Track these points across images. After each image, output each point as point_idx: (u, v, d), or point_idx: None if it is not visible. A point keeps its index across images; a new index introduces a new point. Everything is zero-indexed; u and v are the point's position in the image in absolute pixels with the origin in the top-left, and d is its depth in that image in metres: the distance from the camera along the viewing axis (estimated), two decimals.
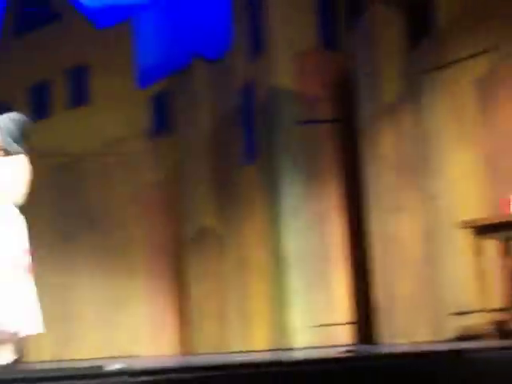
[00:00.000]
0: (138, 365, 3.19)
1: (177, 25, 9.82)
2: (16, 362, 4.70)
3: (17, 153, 4.88)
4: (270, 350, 7.98)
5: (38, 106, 9.54)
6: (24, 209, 4.93)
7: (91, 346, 9.40)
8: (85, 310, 9.57)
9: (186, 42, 9.62)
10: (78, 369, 2.77)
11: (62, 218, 9.54)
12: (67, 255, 9.52)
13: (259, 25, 8.27)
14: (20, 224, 4.82)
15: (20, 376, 2.75)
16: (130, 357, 9.11)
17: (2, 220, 4.75)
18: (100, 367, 2.70)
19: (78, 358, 9.03)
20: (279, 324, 7.99)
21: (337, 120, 8.08)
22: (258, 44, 8.32)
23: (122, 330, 9.51)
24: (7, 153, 4.90)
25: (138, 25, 9.72)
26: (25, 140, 4.94)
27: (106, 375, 2.79)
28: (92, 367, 2.77)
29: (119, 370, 2.77)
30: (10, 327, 4.61)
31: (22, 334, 4.69)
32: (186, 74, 9.57)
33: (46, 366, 6.00)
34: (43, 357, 8.60)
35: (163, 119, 9.84)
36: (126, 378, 2.84)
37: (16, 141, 4.88)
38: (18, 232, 4.78)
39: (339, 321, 7.92)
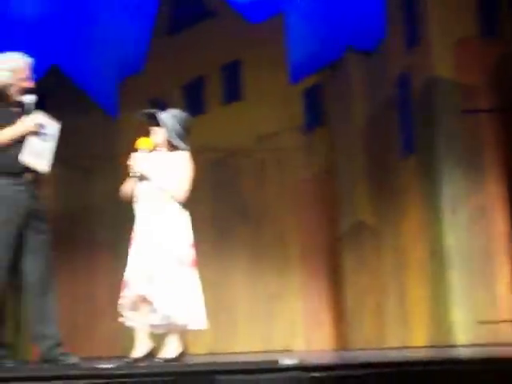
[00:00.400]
0: (309, 360, 3.13)
1: (328, 17, 9.73)
2: (182, 354, 4.75)
3: (181, 149, 4.94)
4: (429, 347, 7.76)
5: (192, 102, 9.68)
6: (184, 204, 4.98)
7: (246, 341, 9.47)
8: (240, 305, 9.65)
9: (338, 34, 9.51)
10: (255, 363, 2.75)
11: (218, 213, 9.66)
12: (222, 251, 9.63)
13: (416, 12, 8.03)
14: (185, 219, 4.87)
15: (200, 369, 2.77)
16: (286, 351, 9.12)
17: (167, 215, 4.81)
18: (275, 362, 2.67)
19: (233, 352, 9.11)
20: (439, 321, 7.75)
21: (498, 109, 7.75)
22: (414, 32, 8.08)
23: (277, 325, 9.54)
24: (172, 148, 4.96)
25: (289, 19, 9.69)
26: (187, 136, 4.99)
27: (281, 370, 2.76)
28: (268, 361, 2.74)
29: (294, 365, 2.73)
30: (180, 321, 4.67)
31: (190, 328, 4.74)
32: (338, 67, 9.48)
33: (218, 359, 6.05)
34: (200, 351, 8.71)
35: (316, 113, 9.78)
36: (298, 373, 2.81)
37: (180, 137, 4.93)
38: (183, 227, 4.84)
39: (502, 318, 7.60)
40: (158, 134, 4.97)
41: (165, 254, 4.71)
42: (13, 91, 4.87)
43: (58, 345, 4.75)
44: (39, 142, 4.84)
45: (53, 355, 4.69)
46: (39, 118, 4.87)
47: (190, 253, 4.79)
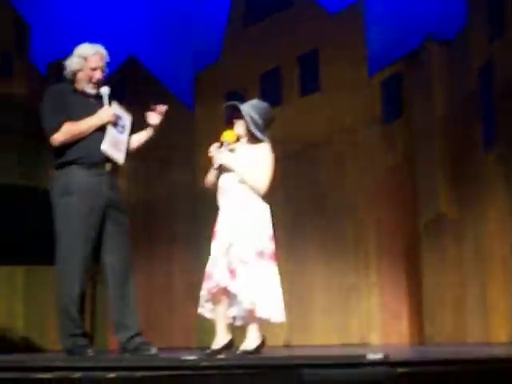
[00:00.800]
0: (395, 355, 3.07)
1: (408, 6, 9.61)
2: (260, 347, 4.74)
3: (261, 141, 4.91)
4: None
5: (269, 93, 9.66)
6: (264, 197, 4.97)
7: (322, 333, 9.43)
8: (316, 297, 9.62)
9: (418, 22, 9.39)
10: (343, 357, 2.72)
11: (295, 205, 9.64)
12: (299, 243, 9.61)
13: (500, 0, 7.82)
14: (266, 212, 4.85)
15: (286, 362, 2.75)
16: (363, 345, 9.05)
17: (248, 208, 4.80)
18: (363, 356, 2.64)
19: (309, 344, 9.08)
20: None
21: None
22: (497, 21, 7.87)
23: (353, 317, 9.48)
24: (254, 140, 4.94)
25: (368, 8, 9.61)
26: (268, 127, 4.96)
27: (367, 365, 2.71)
28: (356, 356, 2.70)
29: (380, 360, 2.69)
30: (261, 314, 4.66)
31: (271, 321, 4.73)
32: (417, 57, 9.33)
33: (297, 352, 6.04)
34: (276, 343, 8.70)
35: (395, 104, 9.65)
36: (386, 369, 2.76)
37: (260, 128, 4.90)
38: (264, 220, 4.82)
39: None
40: (240, 126, 4.96)
41: (246, 247, 4.71)
42: (82, 78, 4.89)
43: (138, 335, 4.79)
44: (116, 134, 4.88)
45: (133, 345, 4.72)
46: (116, 109, 4.90)
47: (270, 246, 4.78)
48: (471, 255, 8.28)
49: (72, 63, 4.88)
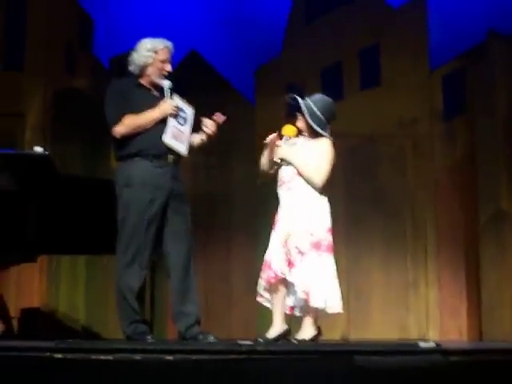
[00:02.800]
0: (448, 345, 3.10)
1: (470, 0, 9.52)
2: (316, 338, 4.79)
3: (321, 136, 4.96)
4: None
5: (330, 88, 9.65)
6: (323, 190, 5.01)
7: (380, 328, 9.41)
8: (374, 293, 9.60)
9: (481, 17, 9.29)
10: (393, 344, 2.75)
11: (353, 200, 9.63)
12: (357, 238, 9.60)
13: None
14: (324, 204, 4.90)
15: (338, 349, 2.79)
16: (421, 341, 9.00)
17: (307, 200, 4.86)
18: (415, 344, 2.66)
19: (366, 338, 9.07)
20: None
21: None
22: None
23: (411, 313, 9.44)
24: (314, 135, 4.98)
25: (430, 1, 9.55)
26: (330, 122, 5.00)
27: (419, 353, 2.74)
28: (407, 344, 2.74)
29: (432, 348, 2.71)
30: (318, 304, 4.72)
31: (328, 311, 4.78)
32: (480, 52, 9.23)
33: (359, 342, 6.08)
34: (333, 336, 8.72)
35: (457, 99, 9.56)
36: (437, 357, 2.79)
37: (320, 123, 4.94)
38: (322, 212, 4.87)
39: None
40: (301, 120, 5.01)
41: (303, 238, 4.77)
42: (152, 72, 5.00)
43: (197, 323, 4.87)
44: (178, 125, 4.96)
45: (191, 333, 4.81)
46: (177, 101, 4.98)
47: (327, 238, 4.83)
48: None
49: (140, 57, 4.99)
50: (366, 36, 9.87)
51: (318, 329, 4.85)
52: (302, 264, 4.72)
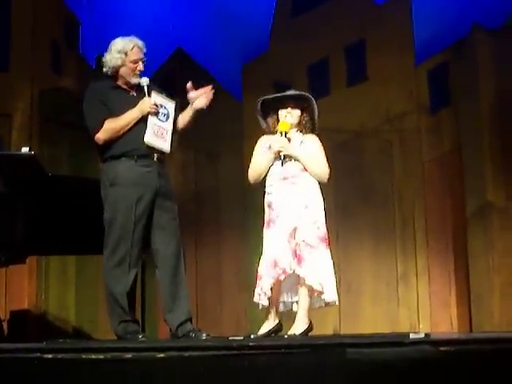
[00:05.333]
0: (439, 336, 3.12)
1: None
2: (308, 331, 4.82)
3: (311, 131, 5.01)
4: None
5: (317, 83, 9.68)
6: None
7: (371, 321, 9.44)
8: (364, 285, 9.63)
9: (464, 11, 9.32)
10: (384, 336, 2.77)
11: (342, 194, 9.65)
12: (347, 233, 9.62)
13: None
14: (321, 197, 4.96)
15: (330, 342, 2.81)
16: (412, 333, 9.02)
17: (311, 194, 4.90)
18: (406, 336, 2.69)
19: (358, 332, 9.09)
20: None
21: None
22: None
23: (402, 306, 9.47)
24: (305, 131, 5.03)
25: None
26: (314, 116, 5.05)
27: (409, 344, 2.76)
28: (398, 335, 2.76)
29: (422, 339, 2.74)
30: (333, 297, 4.77)
31: (330, 301, 4.83)
32: (465, 46, 9.27)
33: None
34: (324, 330, 8.74)
35: (442, 93, 9.60)
36: (427, 347, 2.81)
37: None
38: (322, 206, 4.93)
39: None
40: (296, 116, 5.03)
41: (311, 232, 4.80)
42: (125, 73, 4.98)
43: (188, 321, 4.88)
44: (159, 123, 4.95)
45: (183, 331, 4.82)
46: (156, 98, 4.97)
47: (324, 231, 4.89)
48: None
49: (112, 59, 4.98)
50: (351, 32, 9.89)
51: (310, 323, 4.88)
52: (312, 257, 4.75)
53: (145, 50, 5.01)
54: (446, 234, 9.42)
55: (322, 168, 4.94)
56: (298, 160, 4.91)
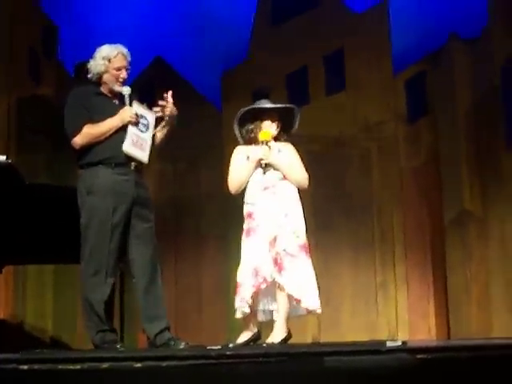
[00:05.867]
0: (416, 344, 3.13)
1: (431, 5, 9.63)
2: (287, 339, 4.81)
3: (286, 140, 5.04)
4: None
5: (296, 92, 9.71)
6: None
7: (350, 331, 9.45)
8: (344, 295, 9.64)
9: (441, 21, 9.40)
10: (361, 345, 2.78)
11: (321, 203, 9.66)
12: (326, 241, 9.63)
13: None
14: (300, 206, 4.98)
15: (308, 350, 2.81)
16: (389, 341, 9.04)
17: (291, 202, 4.91)
18: (383, 344, 2.69)
19: (338, 341, 9.10)
20: None
21: None
22: None
23: (380, 315, 9.49)
24: (281, 140, 5.05)
25: (392, 7, 9.65)
26: (293, 127, 5.08)
27: (386, 352, 2.77)
28: (375, 344, 2.76)
29: (399, 347, 2.74)
30: (314, 306, 4.77)
31: (318, 312, 4.83)
32: (442, 55, 9.34)
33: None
34: (304, 339, 8.74)
35: (420, 102, 9.67)
36: (404, 355, 2.82)
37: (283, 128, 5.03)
38: (302, 214, 4.94)
39: None
40: (274, 126, 5.06)
41: (291, 240, 4.81)
42: (108, 80, 4.98)
43: (166, 329, 4.85)
44: (139, 133, 4.94)
45: (162, 340, 4.79)
46: (137, 108, 4.96)
47: (304, 239, 4.90)
48: (496, 252, 8.29)
49: (96, 66, 4.97)
50: (330, 41, 9.94)
51: (289, 332, 4.87)
52: (292, 266, 4.75)
53: (129, 59, 5.01)
54: (424, 244, 9.46)
55: (302, 175, 4.97)
56: (278, 168, 4.92)
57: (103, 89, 5.01)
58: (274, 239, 4.82)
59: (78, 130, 4.84)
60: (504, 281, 8.12)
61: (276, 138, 5.05)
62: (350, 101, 9.80)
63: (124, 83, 5.00)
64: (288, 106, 5.13)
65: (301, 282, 4.74)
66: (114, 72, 4.96)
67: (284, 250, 4.78)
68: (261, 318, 4.98)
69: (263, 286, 4.78)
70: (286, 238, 4.81)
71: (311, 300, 4.78)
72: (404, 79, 9.71)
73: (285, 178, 4.93)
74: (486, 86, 8.53)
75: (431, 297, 9.41)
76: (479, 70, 8.74)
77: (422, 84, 9.66)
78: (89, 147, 4.86)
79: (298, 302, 4.77)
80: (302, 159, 5.04)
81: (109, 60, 4.94)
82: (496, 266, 8.30)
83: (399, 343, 2.72)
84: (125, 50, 5.02)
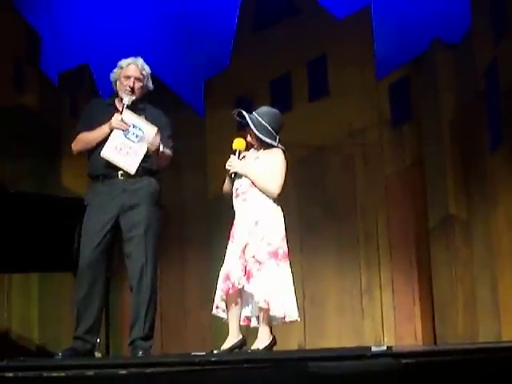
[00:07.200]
0: (401, 348, 3.14)
1: (413, 10, 9.67)
2: (271, 346, 4.81)
3: (271, 146, 5.03)
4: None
5: (279, 99, 9.71)
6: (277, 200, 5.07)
7: (336, 334, 9.47)
8: (329, 299, 9.66)
9: (424, 26, 9.44)
10: (346, 350, 2.79)
11: (306, 209, 9.69)
12: (310, 246, 9.65)
13: (503, 2, 7.86)
14: (278, 212, 4.97)
15: (292, 356, 2.81)
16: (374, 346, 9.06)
17: (262, 210, 4.91)
18: (368, 349, 2.70)
19: (323, 346, 9.11)
20: None
21: None
22: (501, 22, 7.91)
23: (366, 319, 9.51)
24: (265, 147, 5.06)
25: (375, 13, 9.68)
26: (279, 132, 5.08)
27: (371, 357, 2.78)
28: (360, 349, 2.77)
29: (384, 351, 2.75)
30: (276, 313, 4.76)
31: (286, 319, 4.82)
32: (425, 60, 9.39)
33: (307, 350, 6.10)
34: (289, 346, 8.74)
35: (403, 107, 9.69)
36: (389, 360, 2.82)
37: (269, 134, 5.01)
38: (277, 220, 4.94)
39: None
40: (250, 134, 5.08)
41: (260, 247, 4.81)
42: (119, 88, 5.09)
43: (140, 339, 4.88)
44: (126, 141, 4.93)
45: (132, 348, 4.84)
46: (128, 116, 4.98)
47: (283, 246, 4.89)
48: (481, 255, 8.32)
49: (113, 74, 5.11)
50: (313, 47, 9.96)
51: (274, 338, 4.88)
52: (261, 273, 4.76)
53: (145, 72, 5.10)
54: (409, 247, 9.49)
55: (270, 183, 4.94)
56: (246, 176, 4.94)
57: (117, 99, 5.11)
58: (246, 246, 4.85)
59: (75, 137, 5.01)
60: (489, 283, 8.15)
61: (258, 146, 5.06)
62: (333, 106, 9.82)
63: (132, 92, 5.07)
64: (238, 111, 5.11)
65: (268, 291, 4.74)
66: (123, 80, 5.05)
67: (253, 258, 4.80)
68: (255, 324, 4.99)
69: (231, 292, 4.80)
70: (256, 245, 4.83)
71: (278, 308, 4.76)
72: (388, 84, 9.74)
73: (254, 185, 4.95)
74: (470, 90, 8.57)
75: (417, 299, 9.43)
76: (463, 74, 8.79)
77: (406, 89, 9.70)
78: (89, 162, 5.01)
79: (266, 311, 4.77)
80: (287, 165, 5.04)
81: (121, 67, 5.07)
82: (481, 268, 8.33)
83: (384, 348, 2.73)
84: (140, 61, 5.13)
